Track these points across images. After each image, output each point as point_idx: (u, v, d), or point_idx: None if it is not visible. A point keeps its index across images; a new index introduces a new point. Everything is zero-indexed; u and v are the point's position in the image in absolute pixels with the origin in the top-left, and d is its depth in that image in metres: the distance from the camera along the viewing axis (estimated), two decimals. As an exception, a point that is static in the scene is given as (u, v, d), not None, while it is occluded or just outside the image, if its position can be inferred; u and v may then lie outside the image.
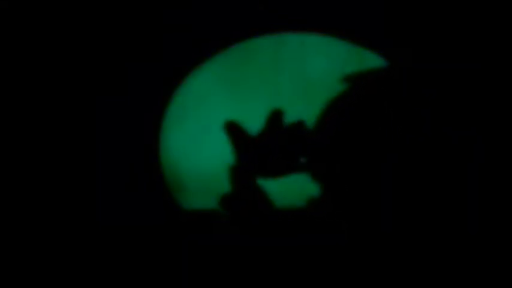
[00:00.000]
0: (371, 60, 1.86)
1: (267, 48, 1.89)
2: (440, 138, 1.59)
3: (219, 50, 1.89)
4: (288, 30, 1.89)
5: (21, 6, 1.89)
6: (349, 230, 1.62)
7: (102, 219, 1.88)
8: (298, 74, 1.88)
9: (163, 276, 1.83)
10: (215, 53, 1.89)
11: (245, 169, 1.65)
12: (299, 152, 1.66)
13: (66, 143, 1.89)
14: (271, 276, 1.72)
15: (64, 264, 1.85)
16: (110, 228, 1.87)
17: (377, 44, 1.86)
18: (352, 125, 1.64)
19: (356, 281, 1.65)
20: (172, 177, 1.89)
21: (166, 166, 1.89)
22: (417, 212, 1.60)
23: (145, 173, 1.89)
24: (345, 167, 1.63)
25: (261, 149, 1.65)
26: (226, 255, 1.78)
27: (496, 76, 1.81)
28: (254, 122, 1.87)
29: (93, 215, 1.88)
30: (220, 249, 1.79)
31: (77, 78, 1.90)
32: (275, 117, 1.66)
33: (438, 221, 1.61)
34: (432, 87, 1.61)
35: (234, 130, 1.66)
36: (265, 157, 1.65)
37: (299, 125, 1.66)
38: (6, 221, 1.87)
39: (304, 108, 1.86)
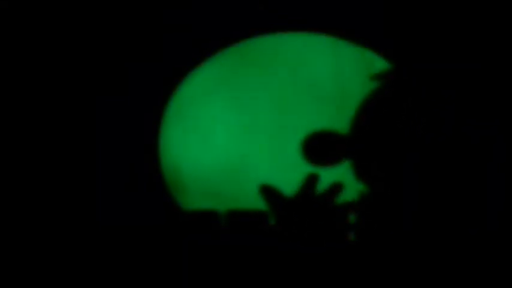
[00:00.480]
0: (372, 60, 1.86)
1: (267, 48, 1.89)
2: (460, 138, 1.60)
3: (219, 50, 1.89)
4: (288, 30, 1.89)
5: (21, 6, 1.90)
6: (371, 226, 1.62)
7: (102, 219, 1.88)
8: (298, 74, 1.88)
9: (163, 276, 1.83)
10: (215, 53, 1.89)
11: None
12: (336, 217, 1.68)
13: (66, 143, 1.89)
14: (271, 276, 1.72)
15: (64, 264, 1.85)
16: (110, 228, 1.87)
17: (377, 44, 1.86)
18: (369, 125, 1.64)
19: (358, 281, 1.65)
20: (172, 177, 1.89)
21: (166, 166, 1.89)
22: (438, 210, 1.61)
23: (145, 173, 1.89)
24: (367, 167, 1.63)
25: (298, 213, 1.68)
26: (226, 255, 1.78)
27: None
28: (254, 122, 1.87)
29: (93, 215, 1.88)
30: (220, 249, 1.79)
31: (77, 78, 1.90)
32: (311, 181, 1.69)
33: (458, 218, 1.61)
34: (452, 88, 1.62)
35: (270, 194, 1.69)
36: (302, 222, 1.67)
37: (335, 189, 1.69)
38: (6, 221, 1.87)
39: (303, 108, 1.86)
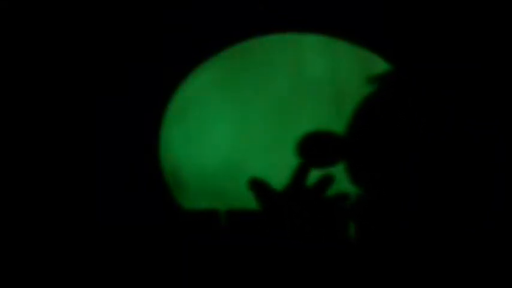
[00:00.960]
0: (371, 61, 1.86)
1: (267, 48, 1.89)
2: (461, 138, 1.60)
3: (219, 50, 1.89)
4: (288, 30, 1.89)
5: (21, 6, 1.90)
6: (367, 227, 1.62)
7: (102, 219, 1.88)
8: (298, 74, 1.88)
9: (163, 276, 1.83)
10: (215, 53, 1.89)
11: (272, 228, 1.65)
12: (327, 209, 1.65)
13: (66, 143, 1.89)
14: (271, 277, 1.72)
15: (64, 264, 1.85)
16: (110, 228, 1.87)
17: (377, 44, 1.86)
18: (368, 127, 1.64)
19: (357, 282, 1.65)
20: (172, 177, 1.89)
21: (166, 166, 1.89)
22: (438, 209, 1.61)
23: (145, 173, 1.89)
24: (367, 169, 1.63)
25: (288, 208, 1.66)
26: (226, 255, 1.78)
27: None
28: (253, 122, 1.87)
29: (93, 215, 1.88)
30: (220, 249, 1.79)
31: (77, 78, 1.90)
32: (301, 172, 1.67)
33: (458, 218, 1.61)
34: (452, 88, 1.62)
35: (259, 187, 1.67)
36: (293, 217, 1.65)
37: (327, 180, 1.66)
38: (6, 221, 1.87)
39: (303, 108, 1.86)
